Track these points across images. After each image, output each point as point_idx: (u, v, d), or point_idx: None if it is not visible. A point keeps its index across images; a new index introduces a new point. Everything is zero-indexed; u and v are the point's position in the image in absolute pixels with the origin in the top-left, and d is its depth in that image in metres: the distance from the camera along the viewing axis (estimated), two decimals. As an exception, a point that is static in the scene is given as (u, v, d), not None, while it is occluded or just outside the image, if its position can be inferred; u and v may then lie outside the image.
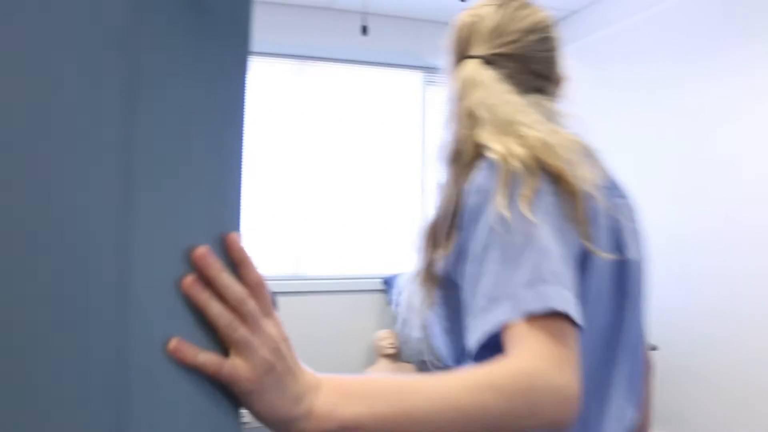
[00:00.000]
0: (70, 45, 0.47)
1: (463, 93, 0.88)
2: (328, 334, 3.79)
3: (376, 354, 3.82)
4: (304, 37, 3.99)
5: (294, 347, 0.57)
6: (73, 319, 0.46)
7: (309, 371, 0.57)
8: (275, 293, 3.35)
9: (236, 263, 0.54)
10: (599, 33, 3.82)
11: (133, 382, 0.48)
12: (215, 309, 0.51)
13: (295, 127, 4.05)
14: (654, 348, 2.83)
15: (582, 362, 0.69)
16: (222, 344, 0.52)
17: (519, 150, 0.76)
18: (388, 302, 3.89)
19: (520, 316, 0.67)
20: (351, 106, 4.18)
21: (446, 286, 0.83)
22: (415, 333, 0.91)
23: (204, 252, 0.51)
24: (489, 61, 0.90)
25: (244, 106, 0.59)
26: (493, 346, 0.69)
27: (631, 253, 0.85)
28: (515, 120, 0.80)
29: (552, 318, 0.67)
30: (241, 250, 0.55)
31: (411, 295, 0.89)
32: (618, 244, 0.84)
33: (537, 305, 0.67)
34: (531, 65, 0.92)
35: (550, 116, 0.86)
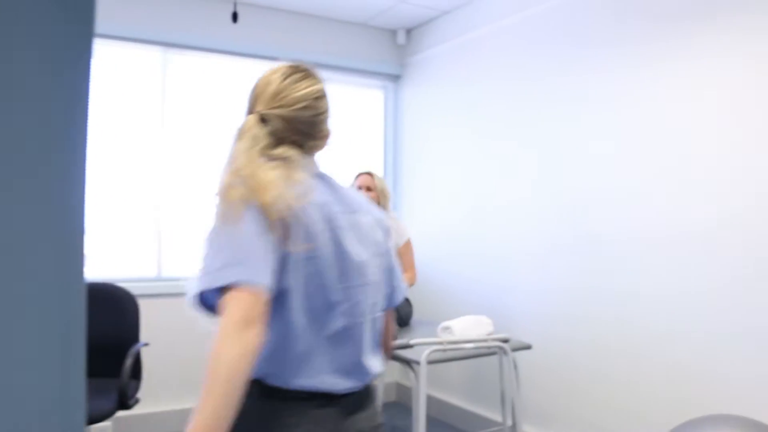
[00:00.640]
0: None
1: (236, 139, 1.24)
2: (191, 337, 3.59)
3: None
4: (172, 25, 3.76)
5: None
6: None
7: None
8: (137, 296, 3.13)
9: None
10: (472, 33, 3.94)
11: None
12: None
13: (162, 118, 3.80)
14: (529, 347, 2.96)
15: (304, 315, 1.19)
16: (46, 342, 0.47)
17: (238, 189, 1.14)
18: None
19: (218, 285, 1.08)
20: (220, 99, 3.99)
21: None
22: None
23: None
24: (264, 117, 1.25)
25: (89, 95, 0.49)
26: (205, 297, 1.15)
27: (349, 249, 1.25)
28: (243, 168, 1.17)
29: (238, 287, 1.07)
30: None
31: None
32: (336, 243, 1.23)
33: (223, 281, 1.08)
34: (296, 125, 1.28)
35: (291, 164, 1.23)
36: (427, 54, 4.36)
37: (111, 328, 2.99)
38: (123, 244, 3.67)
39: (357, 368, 1.28)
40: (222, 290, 1.08)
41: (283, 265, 1.16)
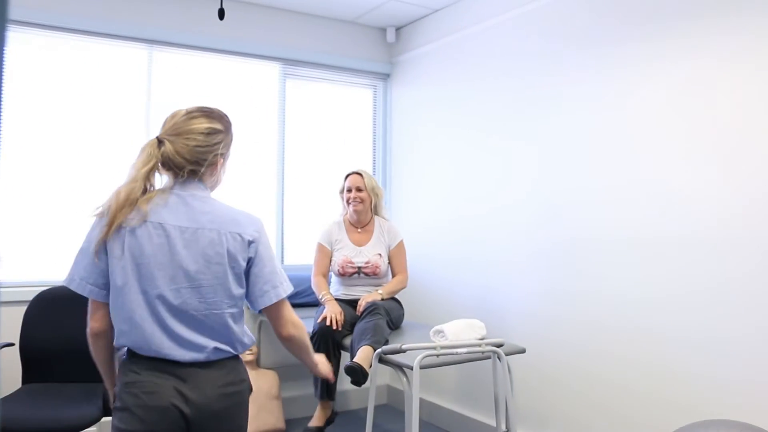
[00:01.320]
0: None
1: (139, 153, 1.66)
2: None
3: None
4: (158, 21, 3.68)
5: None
6: None
7: None
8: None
9: None
10: (462, 32, 3.89)
11: None
12: None
13: (148, 118, 3.71)
14: (523, 351, 2.92)
15: (122, 307, 1.56)
16: None
17: (108, 203, 1.60)
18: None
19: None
20: (206, 97, 3.91)
21: None
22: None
23: None
24: (161, 140, 1.63)
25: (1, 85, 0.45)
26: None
27: (147, 254, 1.56)
28: (123, 185, 1.63)
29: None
30: None
31: None
32: (132, 250, 1.56)
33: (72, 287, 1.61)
34: (182, 152, 1.62)
35: (168, 185, 1.68)
36: (417, 52, 4.31)
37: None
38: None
39: (191, 345, 1.59)
40: None
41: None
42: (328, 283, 3.49)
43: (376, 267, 3.40)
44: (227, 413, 1.60)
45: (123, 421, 1.54)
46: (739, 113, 2.42)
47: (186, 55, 3.85)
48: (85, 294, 1.60)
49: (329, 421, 3.27)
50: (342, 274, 3.42)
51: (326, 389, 3.22)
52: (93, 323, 1.61)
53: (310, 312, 3.66)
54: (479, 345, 2.62)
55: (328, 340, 3.03)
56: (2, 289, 3.31)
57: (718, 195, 2.47)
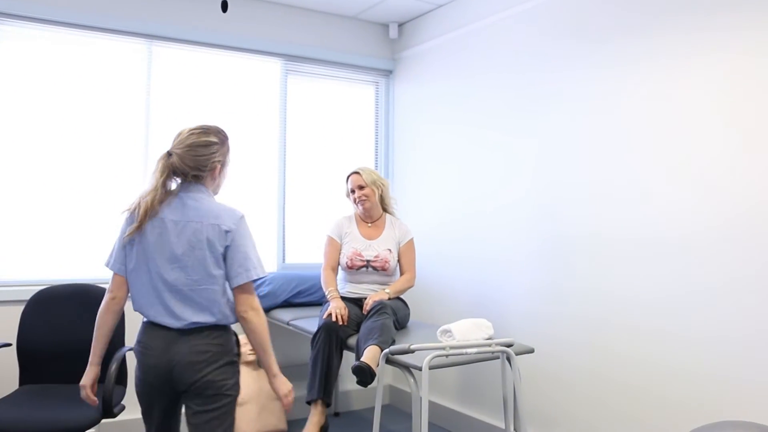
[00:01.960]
0: None
1: (156, 163, 2.05)
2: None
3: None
4: (158, 15, 3.62)
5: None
6: None
7: None
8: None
9: None
10: (465, 28, 3.84)
11: None
12: None
13: (148, 114, 3.65)
14: (531, 351, 2.87)
15: (134, 283, 2.05)
16: None
17: (137, 201, 2.04)
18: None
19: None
20: (207, 93, 3.85)
21: None
22: None
23: None
24: (170, 153, 2.04)
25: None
26: None
27: (151, 243, 2.00)
28: (145, 189, 2.04)
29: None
30: None
31: None
32: (142, 240, 2.02)
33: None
34: (185, 161, 2.01)
35: (178, 189, 2.06)
36: (419, 49, 4.25)
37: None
38: (106, 244, 3.50)
39: (178, 316, 2.01)
40: None
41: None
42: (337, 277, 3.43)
43: (386, 261, 3.35)
44: (198, 367, 1.98)
45: (136, 370, 2.09)
46: (744, 110, 2.37)
47: (186, 51, 3.79)
48: (114, 270, 2.09)
49: (323, 429, 2.98)
50: (350, 267, 3.35)
51: (324, 386, 2.94)
52: (114, 290, 2.08)
53: (314, 311, 3.60)
54: (489, 345, 2.57)
55: (332, 336, 2.97)
56: (-2, 288, 3.24)
57: (723, 192, 2.42)
